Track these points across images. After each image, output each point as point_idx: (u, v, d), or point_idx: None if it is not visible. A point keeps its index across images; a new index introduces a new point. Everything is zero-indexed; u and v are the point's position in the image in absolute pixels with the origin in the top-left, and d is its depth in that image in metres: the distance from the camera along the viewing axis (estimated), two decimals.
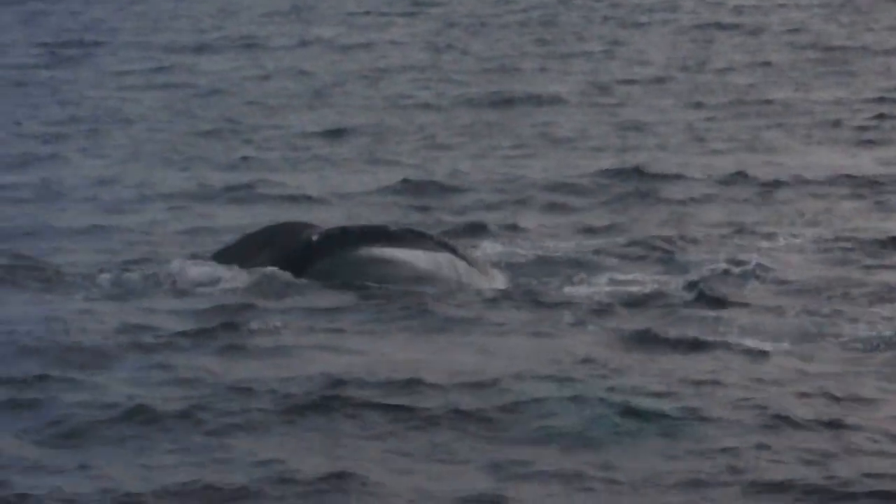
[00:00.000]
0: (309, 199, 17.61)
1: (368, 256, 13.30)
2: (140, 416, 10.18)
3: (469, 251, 13.77)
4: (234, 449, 9.64)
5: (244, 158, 20.25)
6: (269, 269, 13.27)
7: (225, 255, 13.66)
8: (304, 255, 13.32)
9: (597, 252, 14.85)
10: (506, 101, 24.28)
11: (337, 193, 17.92)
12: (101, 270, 14.03)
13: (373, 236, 13.38)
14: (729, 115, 22.84)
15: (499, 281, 13.43)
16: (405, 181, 18.29)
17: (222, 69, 28.03)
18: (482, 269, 13.42)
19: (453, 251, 13.29)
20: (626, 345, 11.85)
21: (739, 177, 18.29)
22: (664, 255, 14.65)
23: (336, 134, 21.88)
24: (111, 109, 24.05)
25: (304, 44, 30.78)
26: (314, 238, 13.34)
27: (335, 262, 13.28)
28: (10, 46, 30.70)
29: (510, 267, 14.29)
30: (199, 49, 30.12)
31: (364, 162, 20.01)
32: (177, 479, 9.19)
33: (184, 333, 12.03)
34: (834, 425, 10.04)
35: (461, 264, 13.26)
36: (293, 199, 17.58)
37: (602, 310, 12.84)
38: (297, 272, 13.31)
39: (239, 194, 17.98)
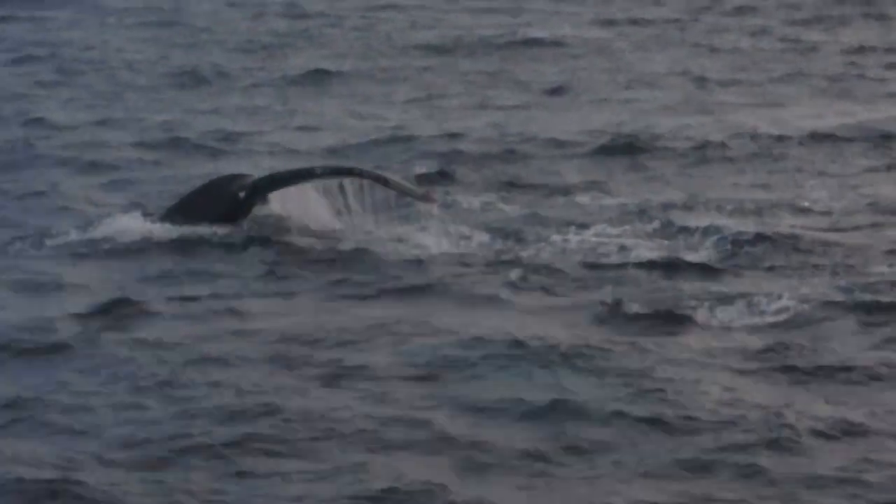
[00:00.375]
0: (291, 151, 16.79)
1: (299, 199, 13.68)
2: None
3: (405, 182, 13.87)
4: (201, 408, 9.43)
5: (228, 107, 19.43)
6: (209, 225, 13.46)
7: (172, 212, 13.76)
8: (235, 208, 13.68)
9: (588, 211, 14.03)
10: (509, 45, 23.40)
11: (321, 146, 17.07)
12: (54, 232, 13.57)
13: (300, 178, 13.75)
14: (743, 62, 21.87)
15: (437, 204, 13.58)
16: (395, 131, 17.51)
17: (214, 8, 27.23)
18: (420, 198, 13.62)
19: (385, 183, 13.56)
20: (613, 315, 11.14)
21: (747, 132, 17.25)
22: (660, 216, 13.73)
23: (326, 79, 21.00)
24: (93, 50, 23.28)
25: None
26: (241, 194, 13.69)
27: (267, 211, 13.73)
28: None
29: (493, 223, 13.61)
30: None
31: (353, 112, 19.10)
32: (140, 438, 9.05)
33: (145, 300, 11.68)
34: (850, 383, 9.73)
35: (393, 195, 13.53)
36: (272, 153, 16.81)
37: (588, 274, 12.12)
38: (234, 224, 13.57)
39: (219, 146, 17.25)
